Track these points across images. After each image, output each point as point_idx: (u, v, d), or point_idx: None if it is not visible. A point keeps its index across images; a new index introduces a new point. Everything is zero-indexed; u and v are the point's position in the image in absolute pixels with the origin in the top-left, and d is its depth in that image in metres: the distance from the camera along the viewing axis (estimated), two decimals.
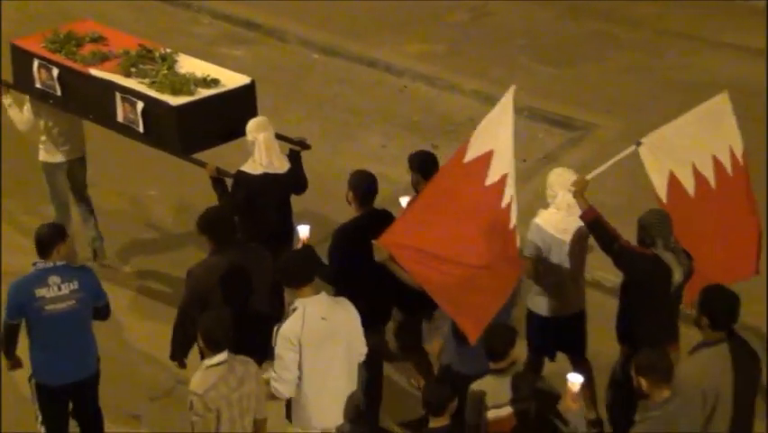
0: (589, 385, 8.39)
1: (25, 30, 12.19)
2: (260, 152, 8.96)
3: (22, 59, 10.36)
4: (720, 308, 7.08)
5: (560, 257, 8.29)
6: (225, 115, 9.50)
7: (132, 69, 9.76)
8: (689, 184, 8.05)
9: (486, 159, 7.66)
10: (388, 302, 8.53)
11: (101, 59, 9.95)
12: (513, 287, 7.90)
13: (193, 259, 8.94)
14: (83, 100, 10.06)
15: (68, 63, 9.99)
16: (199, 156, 9.49)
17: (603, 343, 8.37)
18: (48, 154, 10.51)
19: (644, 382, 6.68)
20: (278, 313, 7.94)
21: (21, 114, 10.38)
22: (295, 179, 9.21)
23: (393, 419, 8.81)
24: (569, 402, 6.73)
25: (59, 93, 10.09)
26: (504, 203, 7.70)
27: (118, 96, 9.63)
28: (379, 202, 8.54)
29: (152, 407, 8.21)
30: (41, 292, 7.67)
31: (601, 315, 9.22)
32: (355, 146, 12.05)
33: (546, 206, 8.56)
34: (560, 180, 8.29)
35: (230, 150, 9.54)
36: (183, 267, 10.04)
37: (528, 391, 6.98)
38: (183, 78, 9.60)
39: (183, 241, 11.04)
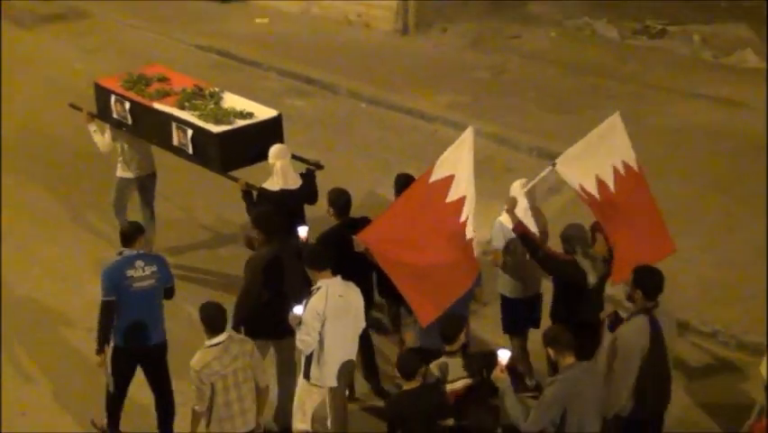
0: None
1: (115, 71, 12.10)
2: (277, 175, 9.14)
3: (102, 94, 10.50)
4: (651, 282, 7.19)
5: (518, 249, 8.37)
6: (257, 141, 9.57)
7: (186, 104, 9.92)
8: (593, 190, 8.07)
9: (447, 181, 7.81)
10: (367, 286, 8.50)
11: (163, 96, 10.10)
12: (468, 286, 7.93)
13: (228, 255, 9.29)
14: (148, 128, 10.21)
15: (138, 98, 10.14)
16: (234, 173, 9.62)
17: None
18: (123, 171, 10.61)
19: (551, 352, 6.85)
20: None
21: (102, 138, 10.49)
22: (307, 193, 9.34)
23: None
24: (498, 373, 6.81)
25: (130, 122, 10.27)
26: (462, 218, 7.84)
27: (174, 124, 9.82)
28: None
29: None
30: (131, 273, 7.87)
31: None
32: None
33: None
34: (515, 192, 8.41)
35: (258, 168, 9.58)
36: (218, 262, 10.57)
37: (478, 367, 7.07)
38: (224, 111, 9.78)
39: (220, 241, 11.22)
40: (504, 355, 6.84)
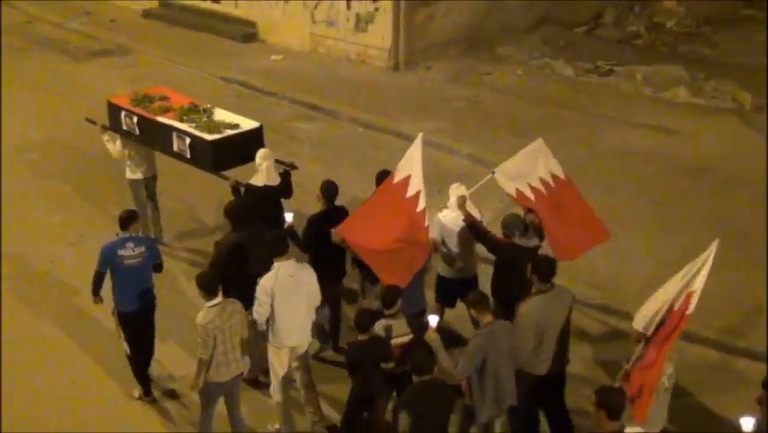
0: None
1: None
2: (262, 173, 9.43)
3: (114, 110, 10.67)
4: (545, 268, 7.43)
5: (453, 240, 8.64)
6: (243, 147, 9.82)
7: (184, 117, 10.17)
8: (529, 194, 8.36)
9: (406, 180, 8.20)
10: (341, 265, 8.86)
11: (165, 111, 10.33)
12: (423, 262, 8.31)
13: (219, 239, 9.13)
14: (152, 137, 10.43)
15: (144, 113, 10.37)
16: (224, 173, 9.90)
17: None
18: (131, 173, 10.85)
19: (473, 312, 7.16)
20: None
21: (114, 146, 10.69)
22: (284, 190, 9.58)
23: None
24: (430, 334, 7.06)
25: (137, 132, 10.49)
26: (419, 209, 8.21)
27: (174, 134, 10.08)
28: None
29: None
30: (122, 252, 8.28)
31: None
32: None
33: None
34: (454, 192, 8.68)
35: (243, 168, 9.87)
36: (211, 245, 10.18)
37: (416, 327, 7.37)
38: (216, 123, 10.05)
39: (215, 229, 11.33)
40: (433, 320, 7.14)
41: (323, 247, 8.37)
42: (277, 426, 8.22)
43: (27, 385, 8.93)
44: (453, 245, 8.68)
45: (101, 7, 21.27)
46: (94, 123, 11.02)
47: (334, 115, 15.30)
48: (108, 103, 10.84)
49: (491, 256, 8.58)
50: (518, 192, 8.39)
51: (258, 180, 9.42)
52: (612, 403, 5.99)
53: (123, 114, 10.52)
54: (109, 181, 12.27)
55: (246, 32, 18.90)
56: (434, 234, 8.62)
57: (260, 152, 9.50)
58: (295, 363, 8.09)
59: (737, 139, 13.86)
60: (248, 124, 10.19)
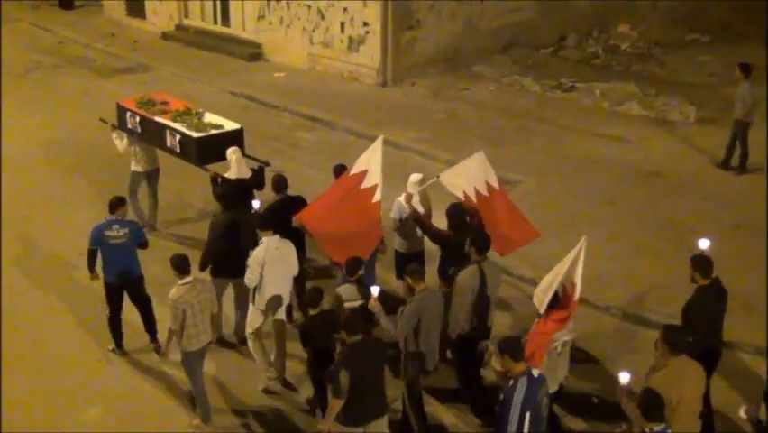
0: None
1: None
2: (233, 167, 9.62)
3: (121, 111, 10.87)
4: (481, 242, 7.61)
5: (409, 221, 8.81)
6: (225, 144, 9.90)
7: (178, 118, 10.35)
8: (472, 196, 8.41)
9: (362, 174, 8.32)
10: (301, 244, 8.84)
11: (162, 113, 10.54)
12: (373, 248, 8.45)
13: (204, 224, 9.52)
14: (151, 134, 10.57)
15: (144, 114, 10.56)
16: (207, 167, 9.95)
17: None
18: (135, 166, 10.95)
19: (410, 280, 7.30)
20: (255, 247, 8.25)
21: (122, 143, 10.83)
22: (255, 182, 9.73)
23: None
24: (372, 303, 7.17)
25: (139, 131, 10.67)
26: (374, 200, 8.30)
27: (167, 132, 10.25)
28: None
29: None
30: (108, 233, 8.46)
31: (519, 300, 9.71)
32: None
33: None
34: (412, 181, 8.87)
35: (223, 164, 9.86)
36: (197, 229, 10.82)
37: (366, 294, 7.37)
38: (203, 124, 10.23)
39: (202, 216, 11.35)
40: (375, 291, 7.22)
41: (280, 231, 8.36)
42: (261, 385, 8.35)
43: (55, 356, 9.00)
44: (411, 224, 8.85)
45: (125, 30, 21.35)
46: (105, 122, 11.16)
47: (330, 125, 15.19)
48: (117, 105, 11.02)
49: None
50: (465, 194, 8.44)
51: (231, 174, 9.59)
52: (514, 348, 6.13)
53: (128, 114, 10.71)
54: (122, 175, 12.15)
55: (253, 53, 18.88)
56: (394, 214, 8.92)
57: (229, 149, 9.70)
58: (275, 335, 8.32)
59: (683, 147, 13.85)
60: (230, 125, 10.33)
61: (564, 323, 6.94)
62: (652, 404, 5.58)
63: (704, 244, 7.52)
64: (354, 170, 8.38)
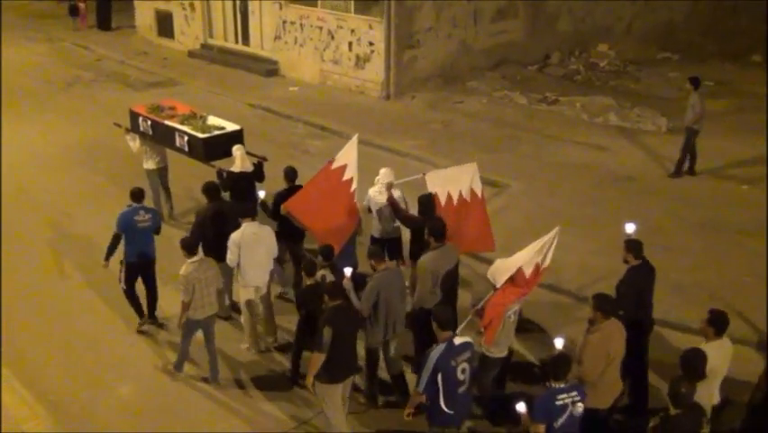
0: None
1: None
2: (237, 161, 9.73)
3: (134, 116, 10.99)
4: (439, 229, 7.64)
5: (382, 210, 8.88)
6: (227, 143, 10.05)
7: (185, 122, 10.51)
8: (445, 199, 8.35)
9: (342, 168, 8.43)
10: (300, 229, 8.86)
11: (171, 117, 10.68)
12: (352, 230, 8.60)
13: None
14: (162, 136, 10.70)
15: (156, 118, 10.70)
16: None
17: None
18: (147, 164, 11.09)
19: (372, 261, 7.40)
20: None
21: (135, 143, 10.97)
22: (256, 175, 9.82)
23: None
24: (345, 282, 7.28)
25: (151, 133, 10.82)
26: (351, 190, 8.47)
27: (176, 133, 10.42)
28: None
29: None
30: (137, 218, 8.61)
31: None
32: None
33: None
34: (384, 174, 8.94)
35: (227, 160, 9.94)
36: None
37: (338, 274, 7.50)
38: (208, 126, 10.42)
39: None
40: (347, 271, 7.39)
41: (286, 216, 8.56)
42: (245, 345, 8.60)
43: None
44: (380, 215, 8.97)
45: (156, 48, 21.38)
46: (119, 126, 11.30)
47: (339, 134, 14.98)
48: (130, 111, 11.14)
49: None
50: (437, 195, 8.44)
51: (235, 168, 9.69)
52: (442, 317, 6.34)
53: (140, 119, 10.85)
54: (126, 168, 12.42)
55: (269, 69, 18.87)
56: (365, 203, 9.03)
57: (235, 147, 9.85)
58: (263, 304, 8.48)
59: (655, 155, 13.79)
60: (232, 126, 10.51)
61: (522, 297, 7.10)
62: (558, 366, 5.87)
63: (630, 228, 7.66)
64: (336, 164, 8.49)
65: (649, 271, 7.42)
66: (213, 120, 10.64)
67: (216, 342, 8.25)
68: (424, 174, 8.54)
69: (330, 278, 7.48)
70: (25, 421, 7.65)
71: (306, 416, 7.65)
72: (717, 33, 20.89)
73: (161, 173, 11.20)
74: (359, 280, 7.50)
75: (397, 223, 8.99)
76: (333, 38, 17.66)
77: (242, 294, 8.37)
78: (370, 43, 16.97)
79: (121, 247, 8.73)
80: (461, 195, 8.43)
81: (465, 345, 6.28)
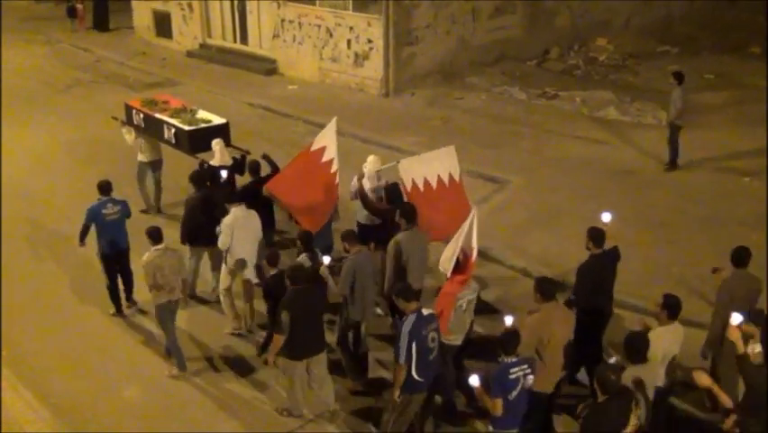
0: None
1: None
2: (216, 153, 10.01)
3: (129, 109, 11.29)
4: (410, 214, 7.85)
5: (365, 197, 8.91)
6: (212, 136, 10.22)
7: (174, 115, 10.80)
8: (421, 185, 8.43)
9: (322, 150, 8.70)
10: (271, 214, 9.29)
11: (162, 110, 10.97)
12: (331, 210, 8.87)
13: None
14: (153, 128, 10.95)
15: (148, 112, 10.99)
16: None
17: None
18: (141, 156, 11.34)
19: (346, 244, 7.62)
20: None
21: (130, 136, 11.22)
22: (236, 167, 10.03)
23: None
24: (322, 269, 7.64)
25: (143, 126, 11.09)
26: (332, 171, 8.71)
27: (165, 126, 10.69)
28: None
29: None
30: (104, 211, 8.88)
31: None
32: None
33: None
34: (371, 161, 9.13)
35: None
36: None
37: (316, 261, 7.75)
38: (195, 119, 10.69)
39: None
40: (326, 259, 7.65)
41: (256, 203, 8.82)
42: (228, 330, 8.84)
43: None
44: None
45: (154, 49, 21.30)
46: (116, 119, 11.50)
47: (338, 131, 14.29)
48: (125, 104, 11.43)
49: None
50: (413, 182, 8.46)
51: (214, 161, 9.92)
52: (405, 290, 6.62)
53: (134, 112, 11.16)
54: (122, 160, 12.56)
55: (268, 68, 18.81)
56: (353, 189, 9.09)
57: (214, 141, 10.07)
58: (243, 290, 8.70)
59: (656, 149, 13.72)
60: (218, 120, 10.73)
61: (465, 284, 7.20)
62: (508, 341, 6.14)
63: (606, 217, 7.72)
64: (315, 146, 8.69)
65: (611, 260, 7.55)
66: (202, 114, 10.89)
67: (201, 331, 8.64)
68: (398, 162, 8.65)
69: (308, 264, 7.66)
70: (28, 423, 7.65)
71: (307, 416, 7.67)
72: (715, 27, 20.85)
73: (154, 166, 11.39)
74: (335, 268, 7.80)
75: None
76: (331, 36, 17.61)
77: (226, 279, 8.63)
78: (369, 41, 16.92)
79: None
80: (439, 178, 8.50)
81: (432, 316, 6.60)
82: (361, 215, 9.18)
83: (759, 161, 12.84)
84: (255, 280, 8.65)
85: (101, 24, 23.32)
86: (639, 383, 5.89)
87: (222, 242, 8.42)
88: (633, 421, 5.65)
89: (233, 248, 8.44)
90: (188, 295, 8.97)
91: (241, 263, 8.49)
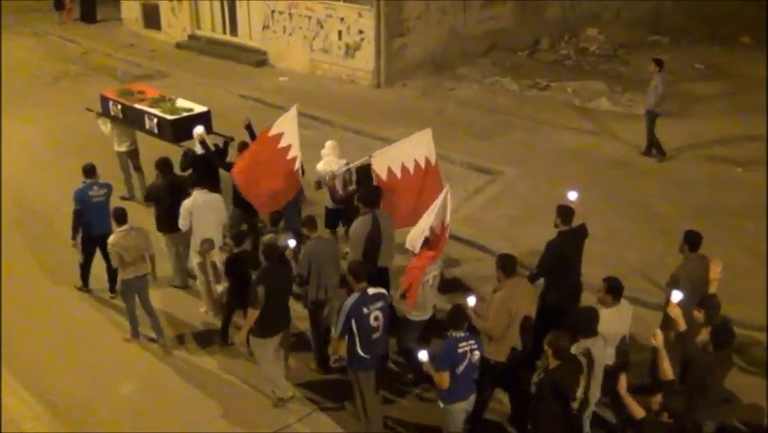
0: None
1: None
2: (196, 141, 9.93)
3: (105, 100, 11.23)
4: (372, 197, 8.01)
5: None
6: (195, 124, 10.13)
7: (154, 104, 10.77)
8: (398, 171, 8.39)
9: (279, 136, 8.72)
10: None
11: (140, 100, 10.96)
12: (291, 196, 8.92)
13: None
14: (132, 118, 10.93)
15: (125, 102, 10.94)
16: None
17: None
18: (118, 147, 11.41)
19: (305, 231, 7.84)
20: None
21: (106, 126, 11.26)
22: (218, 155, 9.98)
23: None
24: (288, 252, 7.70)
25: (121, 116, 11.06)
26: (289, 157, 8.76)
27: (146, 116, 10.64)
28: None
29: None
30: (91, 193, 9.03)
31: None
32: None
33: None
34: (329, 146, 9.57)
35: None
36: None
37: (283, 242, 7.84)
38: (176, 108, 10.69)
39: None
40: (291, 243, 7.76)
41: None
42: (203, 309, 9.12)
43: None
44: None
45: (143, 41, 21.08)
46: (91, 110, 11.40)
47: (330, 123, 14.93)
48: (101, 95, 11.33)
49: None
50: (389, 171, 8.39)
51: (197, 149, 9.98)
52: (356, 269, 6.83)
53: (110, 103, 11.07)
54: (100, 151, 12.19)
55: (259, 59, 18.67)
56: (315, 177, 9.35)
57: (195, 129, 9.98)
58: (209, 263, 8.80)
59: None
60: (199, 108, 10.75)
61: (434, 259, 7.37)
62: (456, 317, 6.37)
63: (572, 195, 7.86)
64: (272, 132, 8.72)
65: (578, 237, 7.70)
66: (181, 102, 10.90)
67: (178, 310, 9.03)
68: (371, 156, 8.61)
69: (278, 242, 7.83)
70: (25, 421, 7.59)
71: (304, 411, 7.65)
72: (706, 17, 20.84)
73: (132, 155, 11.49)
74: (297, 250, 7.96)
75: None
76: (322, 27, 17.49)
77: (194, 258, 8.82)
78: (360, 32, 16.81)
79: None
80: (416, 163, 8.48)
81: (379, 296, 6.79)
82: (329, 201, 9.46)
83: (752, 150, 12.87)
84: (220, 266, 8.69)
85: (89, 16, 23.08)
86: (587, 355, 6.17)
87: (180, 223, 8.62)
88: (579, 390, 6.06)
89: (195, 232, 8.62)
90: (184, 282, 9.38)
91: (205, 247, 8.63)
